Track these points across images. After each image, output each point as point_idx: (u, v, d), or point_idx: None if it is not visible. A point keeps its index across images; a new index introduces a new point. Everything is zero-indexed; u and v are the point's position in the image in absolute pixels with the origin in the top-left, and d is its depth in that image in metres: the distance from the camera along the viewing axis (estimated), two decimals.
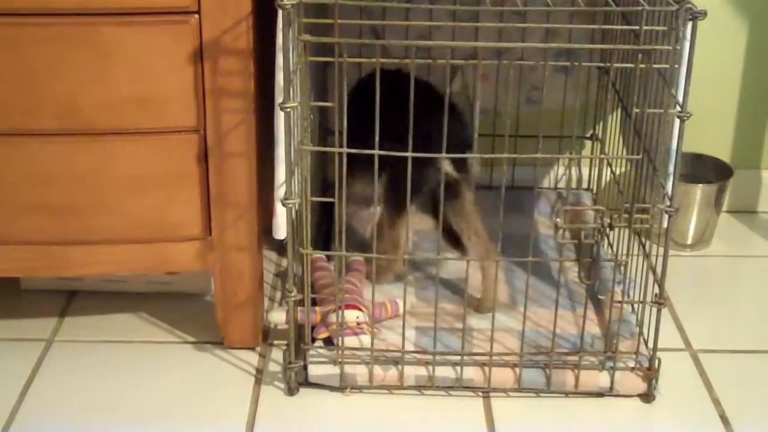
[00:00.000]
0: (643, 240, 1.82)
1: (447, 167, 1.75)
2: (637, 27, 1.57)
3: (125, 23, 1.61)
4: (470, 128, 1.65)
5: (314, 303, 1.79)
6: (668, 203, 1.65)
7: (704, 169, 2.29)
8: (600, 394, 1.76)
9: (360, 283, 1.90)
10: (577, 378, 1.75)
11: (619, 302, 1.80)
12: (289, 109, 1.60)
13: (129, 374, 1.82)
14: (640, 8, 1.56)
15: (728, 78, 2.31)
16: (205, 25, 1.63)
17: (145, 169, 1.71)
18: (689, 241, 2.25)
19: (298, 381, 1.77)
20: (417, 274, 2.01)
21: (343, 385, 1.76)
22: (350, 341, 1.77)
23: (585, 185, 2.29)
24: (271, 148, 1.67)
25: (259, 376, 1.82)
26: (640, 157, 1.73)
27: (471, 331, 1.83)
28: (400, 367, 1.75)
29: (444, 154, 1.60)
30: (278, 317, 1.80)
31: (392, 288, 1.94)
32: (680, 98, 1.60)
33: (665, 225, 1.67)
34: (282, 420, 1.72)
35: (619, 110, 2.03)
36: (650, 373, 1.74)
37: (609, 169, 2.13)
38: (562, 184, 2.31)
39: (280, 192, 1.67)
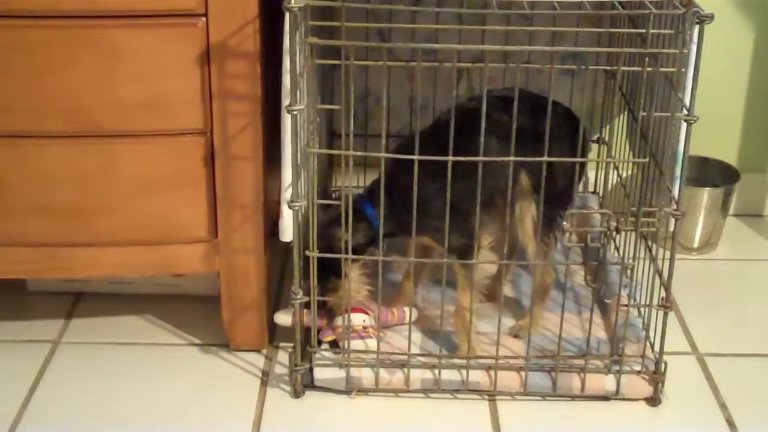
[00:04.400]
0: (650, 243, 1.81)
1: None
2: (644, 30, 1.57)
3: (132, 26, 1.62)
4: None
5: (320, 306, 1.79)
6: (675, 207, 1.65)
7: (711, 173, 2.29)
8: (606, 398, 1.76)
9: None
10: (583, 381, 1.74)
11: (626, 306, 1.80)
12: (295, 112, 1.60)
13: (135, 376, 1.82)
14: (647, 11, 1.56)
15: (735, 81, 2.31)
16: (213, 27, 1.63)
17: (151, 171, 1.71)
18: (696, 245, 2.25)
19: (303, 384, 1.77)
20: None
21: (349, 388, 1.76)
22: (356, 344, 1.77)
23: (591, 189, 2.29)
24: (278, 150, 1.68)
25: (265, 378, 1.82)
26: (646, 160, 1.73)
27: (477, 335, 1.82)
28: (406, 370, 1.75)
29: (451, 157, 1.60)
30: (284, 319, 1.80)
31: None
32: (687, 102, 1.60)
33: (672, 228, 1.66)
34: (288, 422, 1.72)
35: (626, 113, 2.03)
36: (656, 377, 1.74)
37: (615, 172, 2.13)
38: None
39: (286, 194, 1.67)
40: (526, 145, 1.62)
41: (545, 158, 1.61)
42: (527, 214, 1.75)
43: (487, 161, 1.61)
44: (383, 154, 1.63)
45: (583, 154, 1.79)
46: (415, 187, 1.62)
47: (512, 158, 1.62)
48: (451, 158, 1.59)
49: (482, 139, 1.59)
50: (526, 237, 1.77)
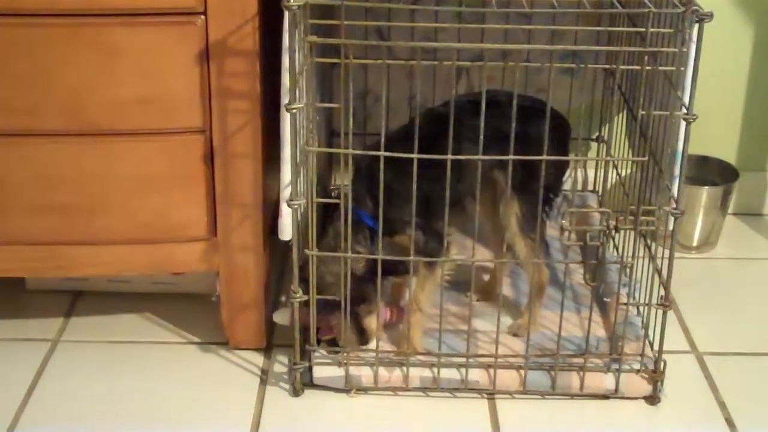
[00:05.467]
0: (649, 242, 1.81)
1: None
2: (643, 29, 1.57)
3: (131, 23, 1.62)
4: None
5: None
6: (674, 205, 1.65)
7: (710, 172, 2.29)
8: (605, 397, 1.76)
9: None
10: (582, 380, 1.74)
11: (625, 304, 1.80)
12: (294, 110, 1.60)
13: (134, 375, 1.82)
14: (646, 10, 1.56)
15: (734, 80, 2.31)
16: (212, 25, 1.63)
17: (150, 169, 1.71)
18: (695, 244, 2.25)
19: (303, 382, 1.77)
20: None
21: (348, 387, 1.76)
22: None
23: (591, 187, 2.29)
24: (277, 149, 1.67)
25: (264, 377, 1.82)
26: (645, 159, 1.73)
27: (476, 333, 1.83)
28: (405, 368, 1.75)
29: (450, 156, 1.60)
30: (283, 318, 1.80)
31: None
32: (686, 100, 1.60)
33: (671, 227, 1.66)
34: (287, 421, 1.72)
35: (625, 112, 2.03)
36: (655, 376, 1.74)
37: (615, 171, 2.13)
38: (567, 186, 2.30)
39: (285, 193, 1.67)
40: (499, 145, 1.62)
41: (544, 157, 1.61)
42: (511, 212, 1.76)
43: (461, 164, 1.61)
44: (382, 153, 1.63)
45: (565, 149, 1.80)
46: (414, 187, 1.62)
47: (511, 157, 1.63)
48: (450, 157, 1.59)
49: (481, 137, 1.59)
50: (512, 235, 1.77)
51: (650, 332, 1.76)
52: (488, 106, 1.58)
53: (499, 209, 1.77)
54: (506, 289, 1.99)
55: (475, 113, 1.61)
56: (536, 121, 1.65)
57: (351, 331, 1.75)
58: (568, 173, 1.93)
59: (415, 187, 1.62)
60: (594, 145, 2.26)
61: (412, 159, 1.60)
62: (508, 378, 1.75)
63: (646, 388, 1.75)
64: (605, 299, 1.92)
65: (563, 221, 1.66)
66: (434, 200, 1.66)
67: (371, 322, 1.76)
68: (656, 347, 1.74)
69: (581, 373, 1.74)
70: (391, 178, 1.64)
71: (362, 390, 1.77)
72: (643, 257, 1.77)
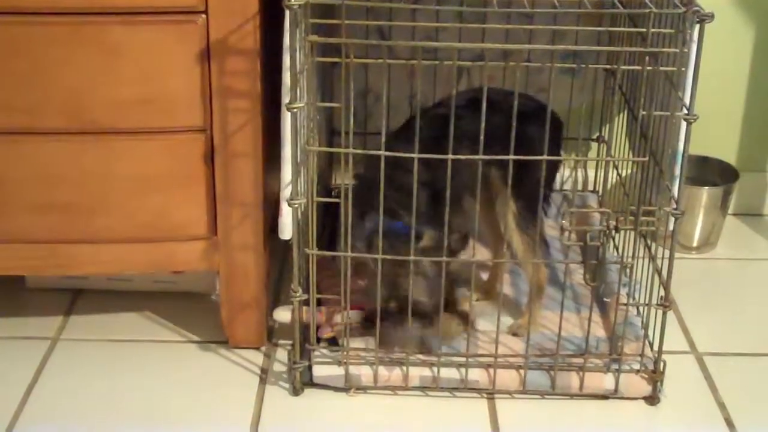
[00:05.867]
0: (649, 242, 1.81)
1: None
2: (644, 29, 1.57)
3: (132, 22, 1.62)
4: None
5: (319, 303, 1.79)
6: (674, 206, 1.65)
7: (710, 172, 2.29)
8: (605, 397, 1.76)
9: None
10: (581, 380, 1.74)
11: (625, 305, 1.80)
12: (295, 110, 1.60)
13: (134, 373, 1.82)
14: (647, 10, 1.56)
15: (735, 80, 2.31)
16: (213, 24, 1.63)
17: (151, 168, 1.71)
18: (695, 244, 2.25)
19: (302, 381, 1.77)
20: None
21: (348, 386, 1.76)
22: (355, 342, 1.77)
23: (591, 187, 2.29)
24: (278, 148, 1.67)
25: (264, 375, 1.82)
26: (646, 159, 1.73)
27: (476, 333, 1.83)
28: (404, 367, 1.75)
29: (450, 155, 1.60)
30: (283, 316, 1.80)
31: None
32: (687, 101, 1.60)
33: (671, 228, 1.66)
34: (286, 420, 1.72)
35: (626, 112, 2.03)
36: (655, 376, 1.74)
37: (615, 171, 2.13)
38: (567, 186, 2.31)
39: (286, 192, 1.67)
40: (496, 144, 1.62)
41: (544, 157, 1.61)
42: (507, 210, 1.76)
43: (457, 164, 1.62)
44: (383, 152, 1.63)
45: (557, 146, 1.81)
46: (415, 186, 1.62)
47: (512, 157, 1.63)
48: (450, 156, 1.59)
49: (482, 137, 1.59)
50: (510, 231, 1.78)
51: (650, 332, 1.76)
52: (479, 104, 1.58)
53: (496, 207, 1.78)
54: (506, 289, 1.99)
55: (471, 111, 1.61)
56: (529, 119, 1.65)
57: (452, 318, 1.74)
58: (561, 171, 1.93)
59: (416, 187, 1.62)
60: (594, 145, 2.26)
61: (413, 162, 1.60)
62: (507, 378, 1.75)
63: (646, 389, 1.75)
64: (605, 299, 1.92)
65: (563, 221, 1.66)
66: (434, 200, 1.66)
67: (467, 306, 1.76)
68: (656, 347, 1.74)
69: (581, 373, 1.74)
70: (410, 183, 1.64)
71: (362, 389, 1.77)
72: (643, 257, 1.77)
